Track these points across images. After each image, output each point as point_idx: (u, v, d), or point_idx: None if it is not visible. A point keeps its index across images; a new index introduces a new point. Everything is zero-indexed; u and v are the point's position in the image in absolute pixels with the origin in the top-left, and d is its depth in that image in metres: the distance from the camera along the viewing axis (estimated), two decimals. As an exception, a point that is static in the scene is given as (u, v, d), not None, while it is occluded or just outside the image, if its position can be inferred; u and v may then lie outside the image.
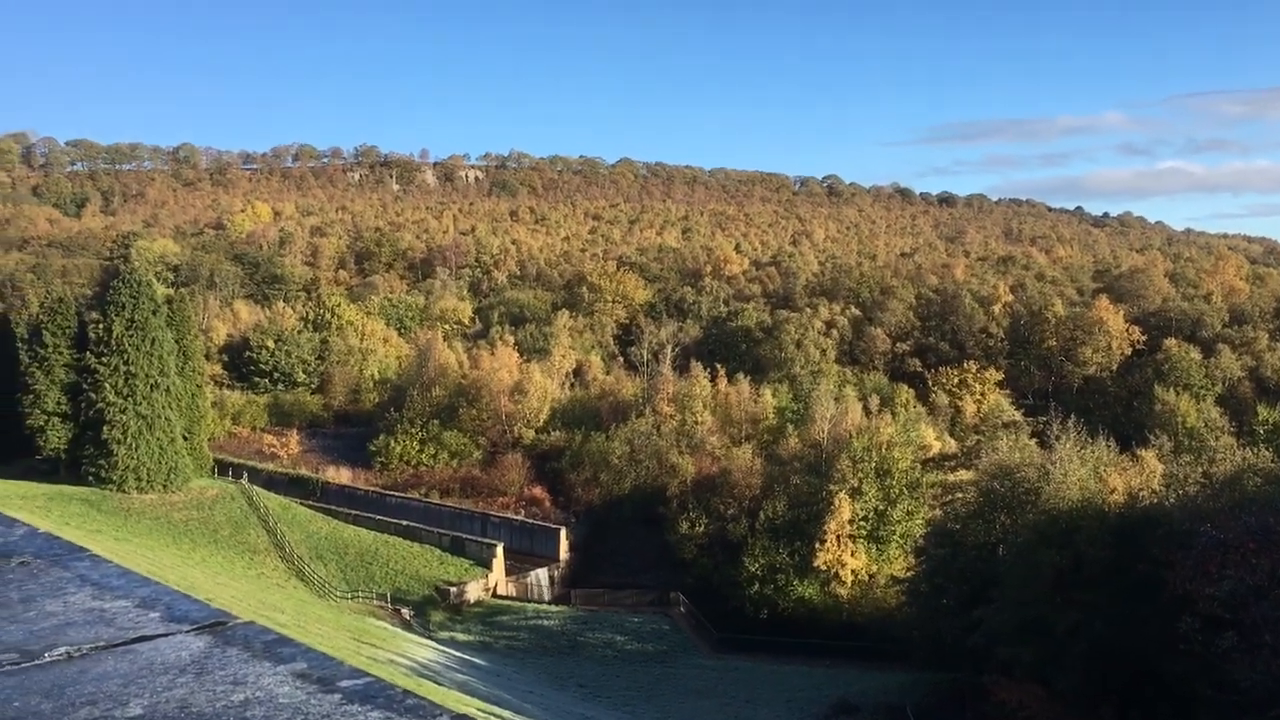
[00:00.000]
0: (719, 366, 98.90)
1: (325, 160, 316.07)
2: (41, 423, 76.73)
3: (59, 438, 76.68)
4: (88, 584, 2.99)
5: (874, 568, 67.90)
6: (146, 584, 2.93)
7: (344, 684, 2.02)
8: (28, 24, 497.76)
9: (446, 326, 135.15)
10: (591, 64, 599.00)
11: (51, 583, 3.01)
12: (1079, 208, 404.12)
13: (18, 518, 4.13)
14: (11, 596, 2.90)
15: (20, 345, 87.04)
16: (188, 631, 2.46)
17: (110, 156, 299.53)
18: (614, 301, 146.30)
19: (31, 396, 77.61)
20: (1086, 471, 46.73)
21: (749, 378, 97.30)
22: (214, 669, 2.16)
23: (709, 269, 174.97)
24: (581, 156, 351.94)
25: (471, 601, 68.37)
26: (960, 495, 60.61)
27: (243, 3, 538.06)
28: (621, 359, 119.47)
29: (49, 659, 2.30)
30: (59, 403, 77.83)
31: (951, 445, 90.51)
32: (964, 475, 70.25)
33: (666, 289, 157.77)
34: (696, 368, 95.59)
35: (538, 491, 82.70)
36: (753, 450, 79.97)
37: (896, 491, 68.79)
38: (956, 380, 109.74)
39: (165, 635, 2.44)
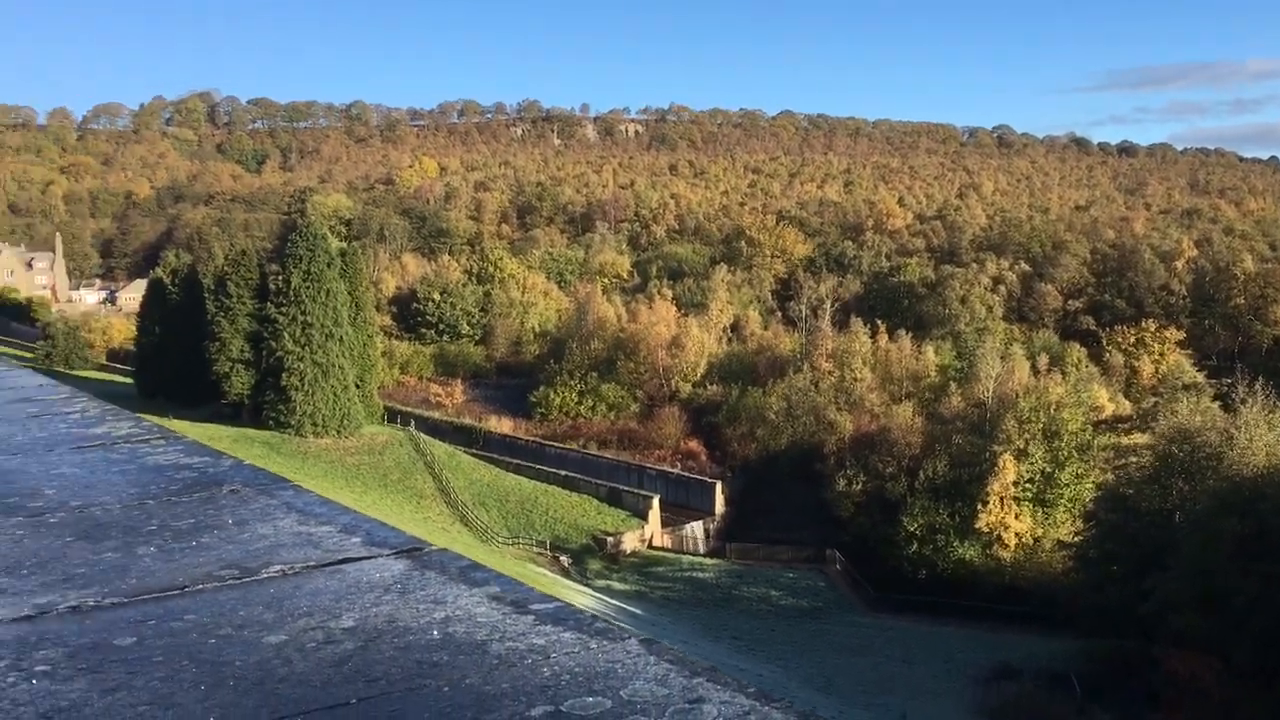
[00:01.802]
0: (879, 323, 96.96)
1: (489, 116, 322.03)
2: (226, 369, 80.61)
3: (242, 384, 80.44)
4: (293, 510, 3.20)
5: (1039, 531, 65.96)
6: (346, 512, 3.12)
7: (535, 607, 2.13)
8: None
9: (605, 280, 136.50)
10: (751, 15, 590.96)
11: (260, 508, 3.24)
12: (1273, 157, 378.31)
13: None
14: (226, 520, 3.14)
15: (207, 295, 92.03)
16: (388, 555, 2.62)
17: (288, 115, 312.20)
18: (773, 256, 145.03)
19: (217, 344, 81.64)
20: (1274, 437, 44.26)
21: (910, 335, 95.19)
22: (415, 589, 2.31)
23: (871, 223, 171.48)
24: (741, 109, 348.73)
25: (627, 552, 69.54)
26: (1135, 459, 58.35)
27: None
28: (780, 314, 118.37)
29: (265, 575, 2.49)
30: (242, 350, 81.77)
31: (1126, 407, 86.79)
32: (1139, 439, 67.45)
33: (827, 243, 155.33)
34: (856, 324, 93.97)
35: (693, 445, 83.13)
36: (913, 408, 78.39)
37: (1065, 454, 66.48)
38: (1133, 339, 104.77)
39: (368, 558, 2.60)
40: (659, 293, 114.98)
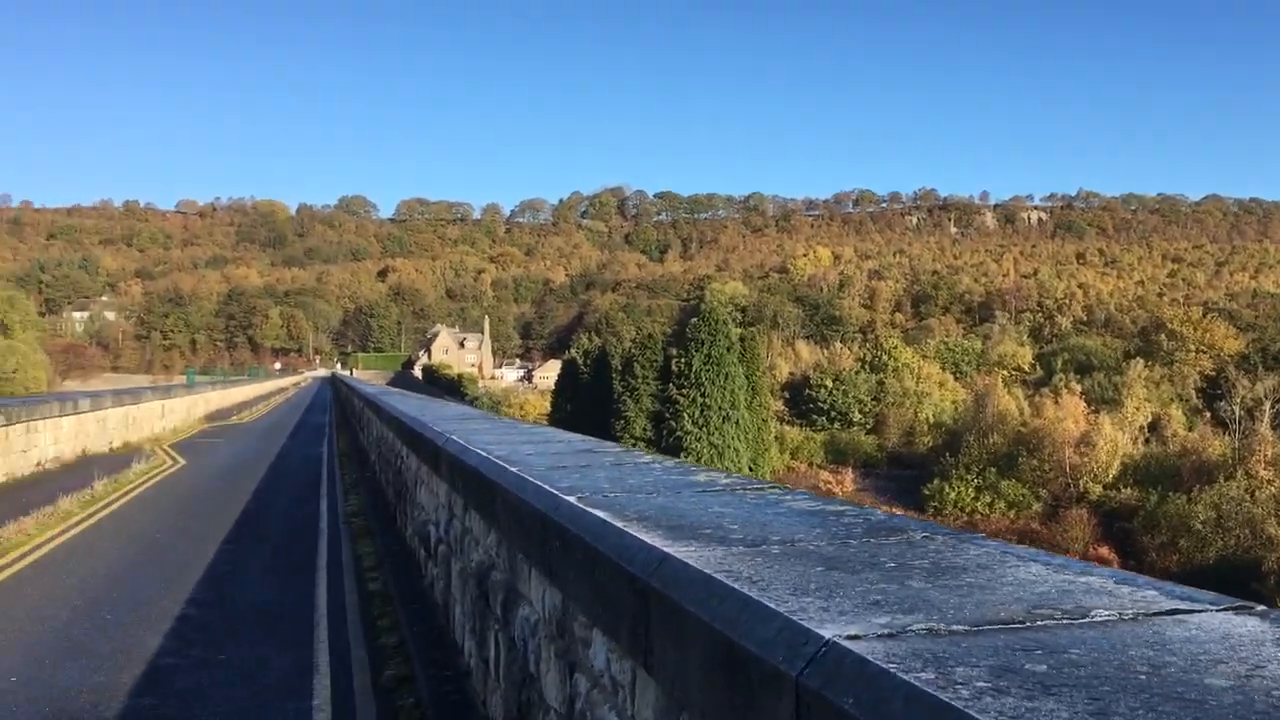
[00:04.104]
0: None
1: (884, 204, 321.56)
2: (629, 445, 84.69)
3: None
4: (1021, 558, 3.10)
5: None
6: (1091, 567, 2.97)
7: None
8: (635, 83, 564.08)
9: (1005, 372, 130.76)
10: (1168, 94, 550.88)
11: (983, 554, 3.15)
12: None
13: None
14: (957, 561, 3.08)
15: (614, 376, 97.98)
16: (1214, 609, 2.43)
17: (690, 206, 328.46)
18: (1198, 351, 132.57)
19: (622, 422, 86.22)
20: None
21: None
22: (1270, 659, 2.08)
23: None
24: (1160, 194, 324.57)
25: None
26: None
27: (804, 60, 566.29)
28: (1207, 414, 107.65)
29: (1099, 618, 2.37)
30: (645, 429, 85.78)
31: None
32: None
33: (1264, 338, 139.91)
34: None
35: (1104, 552, 76.65)
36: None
37: None
38: None
39: (1189, 611, 2.42)
40: (1066, 386, 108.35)
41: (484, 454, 7.34)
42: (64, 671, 8.60)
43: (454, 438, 9.27)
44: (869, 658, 2.08)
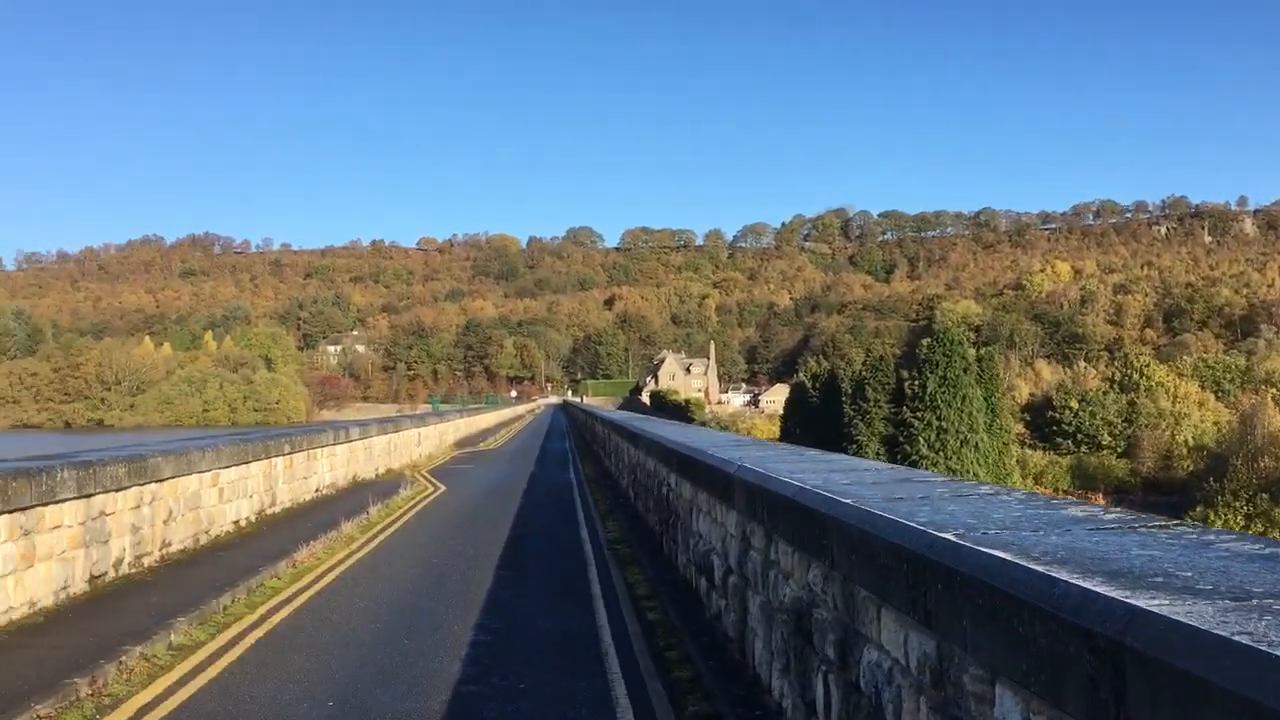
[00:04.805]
0: None
1: (1128, 215, 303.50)
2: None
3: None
4: None
5: None
6: None
7: None
8: (855, 100, 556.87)
9: (1275, 390, 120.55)
10: None
11: None
12: None
13: None
14: None
15: (844, 399, 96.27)
16: None
17: (916, 225, 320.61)
18: None
19: (854, 447, 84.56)
20: None
21: None
22: None
23: None
24: None
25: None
26: None
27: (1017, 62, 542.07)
28: None
29: None
30: (878, 454, 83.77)
31: None
32: None
33: None
34: None
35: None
36: None
37: None
38: None
39: None
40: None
41: (798, 484, 7.01)
42: (375, 698, 8.81)
43: (747, 465, 8.99)
44: None
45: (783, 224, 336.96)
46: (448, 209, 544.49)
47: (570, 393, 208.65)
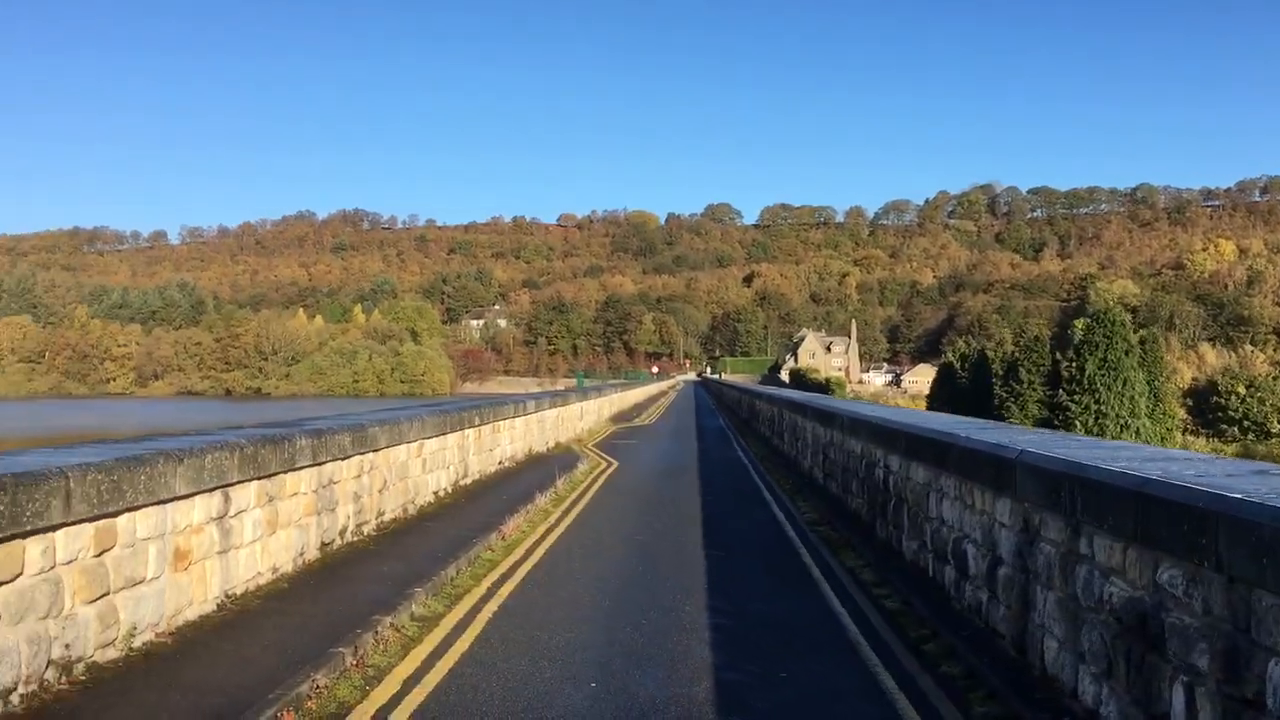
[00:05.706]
0: None
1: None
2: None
3: (1033, 471, 79.80)
4: None
5: None
6: None
7: None
8: (1004, 74, 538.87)
9: None
10: None
11: None
12: None
13: None
14: None
15: (995, 380, 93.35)
16: None
17: (1068, 201, 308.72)
18: None
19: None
20: None
21: None
22: None
23: None
24: None
25: None
26: None
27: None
28: None
29: None
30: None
31: None
32: None
33: None
34: None
35: None
36: None
37: None
38: None
39: None
40: None
41: (1140, 474, 6.43)
42: (636, 680, 8.57)
43: (1036, 450, 8.41)
44: None
45: (926, 200, 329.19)
46: (587, 186, 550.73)
47: (709, 370, 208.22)
